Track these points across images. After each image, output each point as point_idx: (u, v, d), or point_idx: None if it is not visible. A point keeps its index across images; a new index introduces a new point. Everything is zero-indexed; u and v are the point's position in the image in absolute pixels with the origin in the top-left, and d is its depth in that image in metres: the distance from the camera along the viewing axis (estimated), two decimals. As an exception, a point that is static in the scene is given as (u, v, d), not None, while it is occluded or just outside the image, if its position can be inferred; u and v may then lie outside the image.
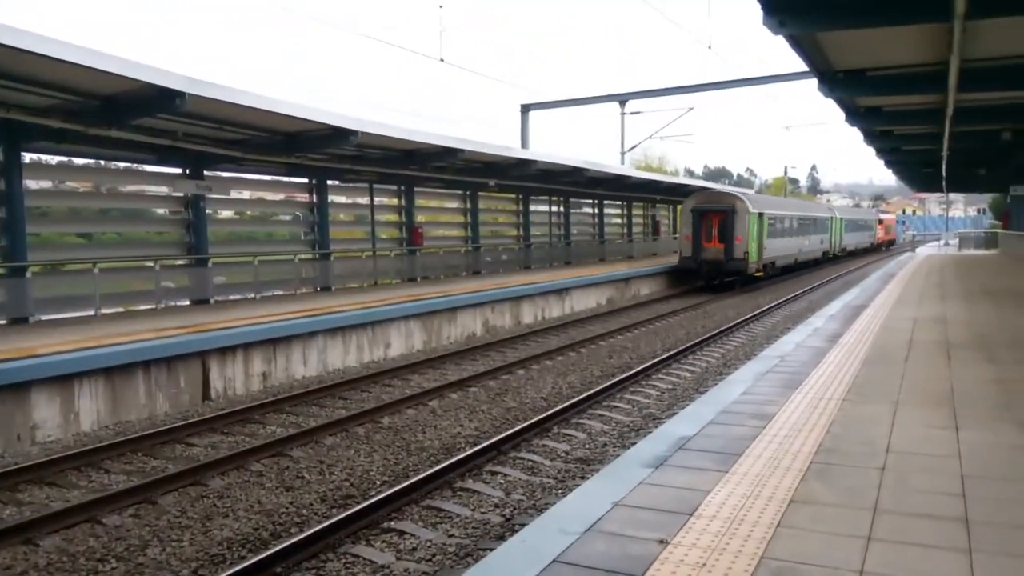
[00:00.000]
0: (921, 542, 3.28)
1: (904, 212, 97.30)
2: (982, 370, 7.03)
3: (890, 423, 5.17)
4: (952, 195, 63.44)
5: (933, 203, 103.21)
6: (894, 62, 10.91)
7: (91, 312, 12.45)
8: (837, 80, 11.45)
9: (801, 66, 10.80)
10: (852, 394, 6.08)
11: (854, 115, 14.86)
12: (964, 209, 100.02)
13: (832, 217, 40.27)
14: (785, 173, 69.19)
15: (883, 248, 55.28)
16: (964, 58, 9.15)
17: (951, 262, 27.37)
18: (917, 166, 27.29)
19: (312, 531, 5.56)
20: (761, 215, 26.57)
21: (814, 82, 11.57)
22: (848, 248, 44.04)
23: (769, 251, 27.31)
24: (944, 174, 26.84)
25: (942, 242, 49.70)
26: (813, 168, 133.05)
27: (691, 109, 36.21)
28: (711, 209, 25.87)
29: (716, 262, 25.38)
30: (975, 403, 5.71)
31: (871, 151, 22.41)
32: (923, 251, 40.92)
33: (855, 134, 17.95)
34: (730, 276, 25.94)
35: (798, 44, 9.47)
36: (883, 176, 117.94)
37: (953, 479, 4.06)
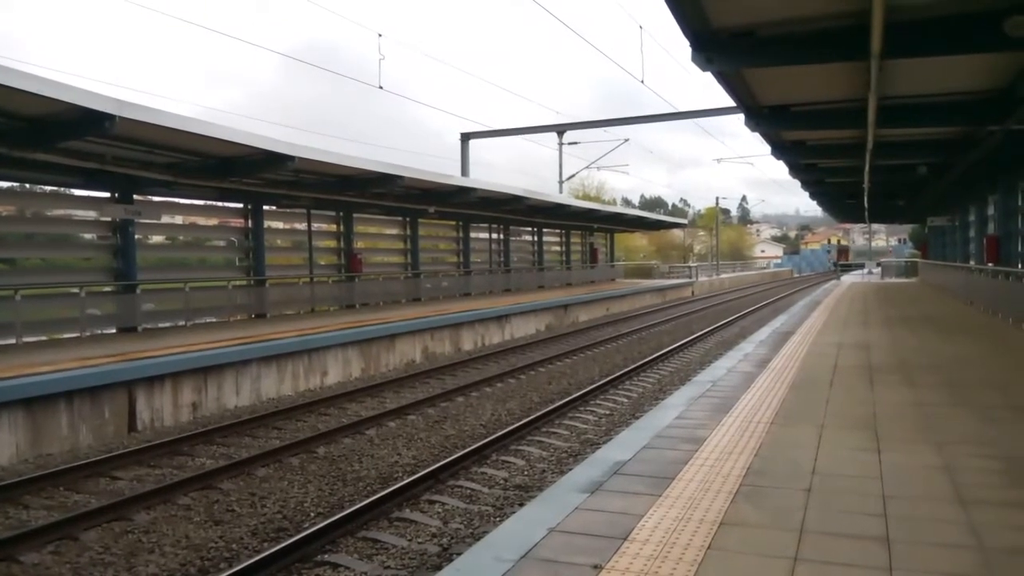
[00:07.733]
0: (845, 561, 3.39)
1: (829, 242, 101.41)
2: (902, 393, 7.32)
3: (816, 445, 5.34)
4: (875, 225, 72.25)
5: (857, 233, 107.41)
6: (817, 98, 11.41)
7: (12, 340, 11.97)
8: (763, 115, 11.90)
9: (730, 101, 11.19)
10: (780, 417, 6.25)
11: (780, 148, 15.45)
12: (887, 239, 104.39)
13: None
14: (717, 204, 71.29)
15: None
16: (882, 95, 9.64)
17: (873, 290, 28.49)
18: (840, 197, 28.49)
19: (242, 566, 5.41)
20: (853, 251, 73.00)
21: (743, 116, 12.00)
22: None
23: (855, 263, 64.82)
24: (866, 205, 28.06)
25: (866, 270, 52.41)
26: (743, 199, 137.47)
27: (626, 140, 36.97)
28: (841, 250, 69.38)
29: (841, 265, 59.24)
30: (896, 425, 5.94)
31: (797, 183, 23.30)
32: (847, 279, 42.51)
33: (781, 166, 18.62)
34: (843, 269, 57.93)
35: (725, 80, 9.83)
36: (809, 207, 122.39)
37: (875, 500, 4.20)
